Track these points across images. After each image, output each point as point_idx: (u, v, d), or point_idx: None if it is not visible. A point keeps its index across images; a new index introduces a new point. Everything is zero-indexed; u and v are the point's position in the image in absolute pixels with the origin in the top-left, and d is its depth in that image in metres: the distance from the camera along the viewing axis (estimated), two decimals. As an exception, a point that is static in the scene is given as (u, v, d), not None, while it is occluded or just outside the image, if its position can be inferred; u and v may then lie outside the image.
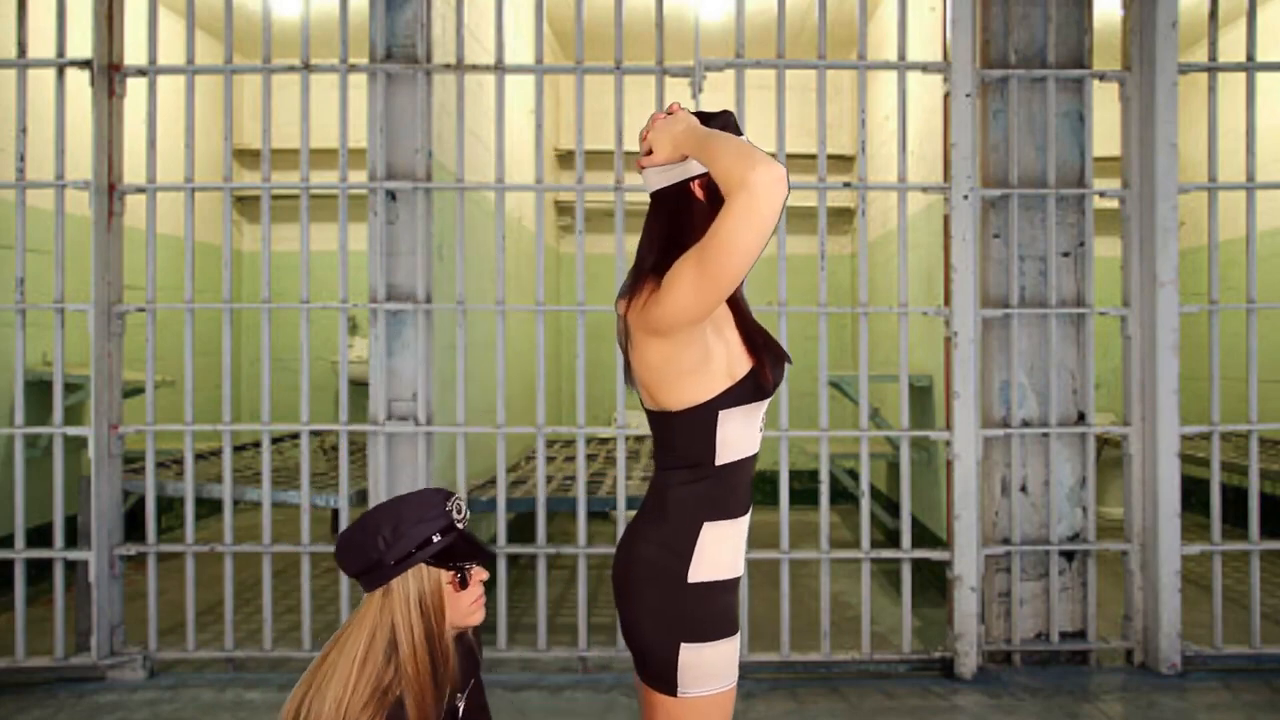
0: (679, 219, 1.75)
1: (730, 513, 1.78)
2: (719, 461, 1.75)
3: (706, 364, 1.72)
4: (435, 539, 1.76)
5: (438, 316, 4.03)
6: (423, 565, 1.75)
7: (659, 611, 1.74)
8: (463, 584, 1.79)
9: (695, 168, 1.73)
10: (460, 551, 1.79)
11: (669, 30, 6.38)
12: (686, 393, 1.73)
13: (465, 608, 1.81)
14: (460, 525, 1.80)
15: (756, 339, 1.78)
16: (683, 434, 1.75)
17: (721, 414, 1.73)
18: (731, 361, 1.74)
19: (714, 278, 1.59)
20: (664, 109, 1.82)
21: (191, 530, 3.82)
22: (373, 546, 1.73)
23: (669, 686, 1.74)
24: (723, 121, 1.75)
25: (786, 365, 1.83)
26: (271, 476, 3.95)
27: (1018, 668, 3.84)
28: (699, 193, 1.74)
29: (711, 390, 1.72)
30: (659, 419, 1.77)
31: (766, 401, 1.79)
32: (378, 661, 1.70)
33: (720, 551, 1.77)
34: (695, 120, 1.73)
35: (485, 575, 1.83)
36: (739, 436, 1.76)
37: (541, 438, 3.90)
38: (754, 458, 1.81)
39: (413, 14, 3.80)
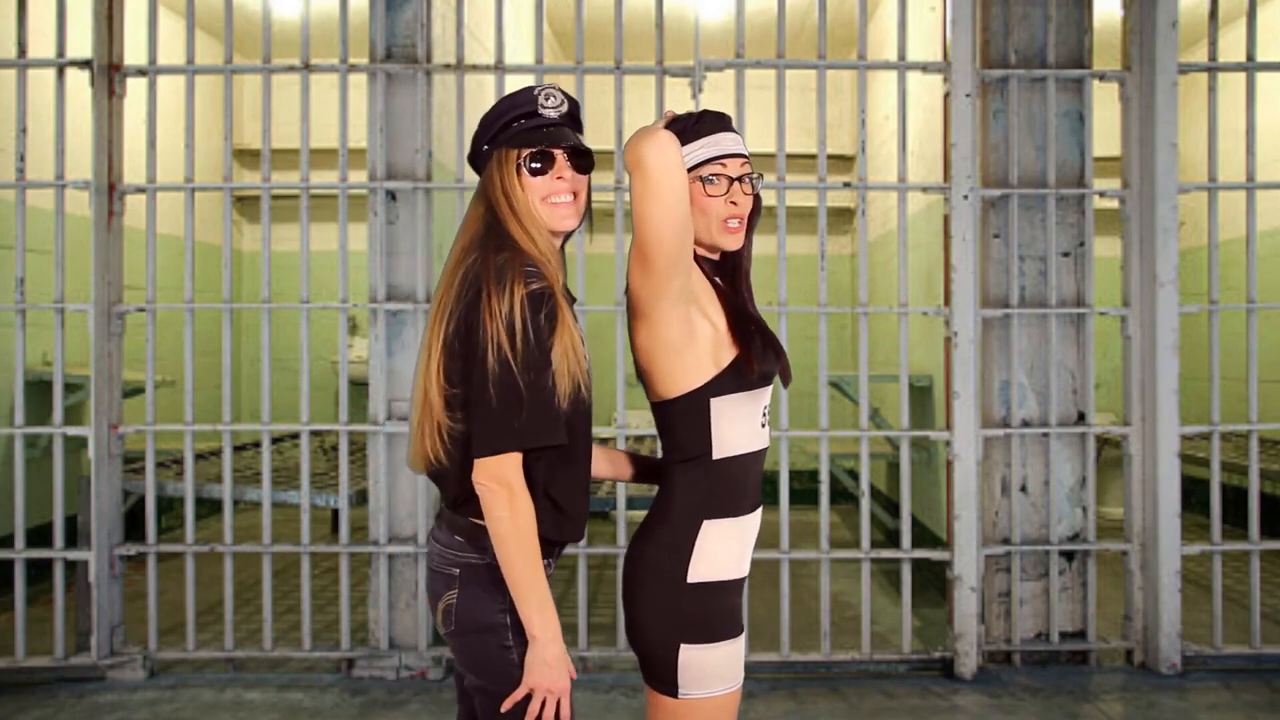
0: None
1: (733, 511, 1.77)
2: (717, 454, 1.76)
3: (691, 344, 1.73)
4: (515, 124, 1.75)
5: (438, 316, 4.02)
6: (504, 148, 1.75)
7: (659, 612, 1.74)
8: (535, 171, 1.73)
9: None
10: (537, 137, 1.74)
11: (669, 30, 6.37)
12: (677, 377, 1.74)
13: (542, 201, 1.74)
14: (546, 114, 1.75)
15: (746, 328, 1.77)
16: (680, 424, 1.76)
17: (713, 403, 1.74)
18: (717, 348, 1.75)
19: (645, 255, 1.66)
20: (664, 109, 1.84)
21: (191, 530, 3.82)
22: (477, 134, 1.80)
23: (670, 688, 1.74)
24: (681, 125, 1.77)
25: (783, 362, 1.83)
26: (271, 476, 3.95)
27: (1018, 668, 3.84)
28: None
29: (700, 377, 1.74)
30: (659, 410, 1.79)
31: (763, 393, 1.79)
32: (474, 226, 1.76)
33: (722, 551, 1.76)
34: (648, 129, 1.71)
35: (568, 173, 1.74)
36: (736, 429, 1.76)
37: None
38: (759, 455, 1.81)
39: (413, 14, 3.80)
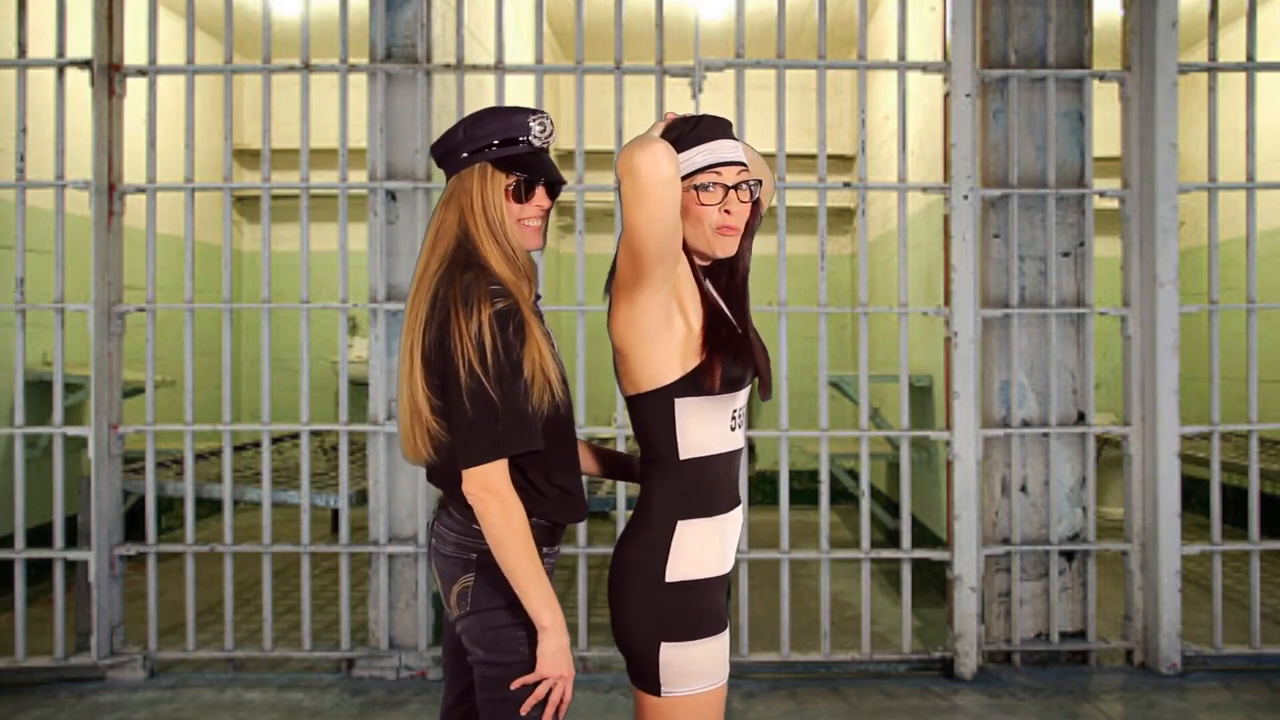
0: None
1: (709, 510, 1.77)
2: (684, 455, 1.75)
3: (665, 335, 1.72)
4: (504, 144, 1.83)
5: (438, 316, 4.02)
6: (489, 165, 1.82)
7: (640, 611, 1.75)
8: (519, 197, 1.83)
9: None
10: (526, 165, 1.83)
11: (669, 30, 6.38)
12: (647, 369, 1.74)
13: (520, 223, 1.84)
14: (536, 142, 1.84)
15: (718, 335, 1.75)
16: (649, 423, 1.77)
17: (678, 403, 1.74)
18: (686, 350, 1.74)
19: (632, 252, 1.67)
20: (664, 110, 1.83)
21: (191, 530, 3.82)
22: (454, 135, 1.86)
23: (653, 686, 1.74)
24: (678, 130, 1.76)
25: (763, 374, 1.81)
26: (271, 476, 3.95)
27: (1018, 668, 3.84)
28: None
29: (666, 376, 1.73)
30: (631, 405, 1.80)
31: (733, 398, 1.77)
32: (449, 238, 1.83)
33: (699, 549, 1.75)
34: (644, 139, 1.71)
35: (547, 202, 1.86)
36: (703, 431, 1.76)
37: (541, 438, 3.89)
38: (733, 455, 1.80)
39: (413, 14, 3.80)
